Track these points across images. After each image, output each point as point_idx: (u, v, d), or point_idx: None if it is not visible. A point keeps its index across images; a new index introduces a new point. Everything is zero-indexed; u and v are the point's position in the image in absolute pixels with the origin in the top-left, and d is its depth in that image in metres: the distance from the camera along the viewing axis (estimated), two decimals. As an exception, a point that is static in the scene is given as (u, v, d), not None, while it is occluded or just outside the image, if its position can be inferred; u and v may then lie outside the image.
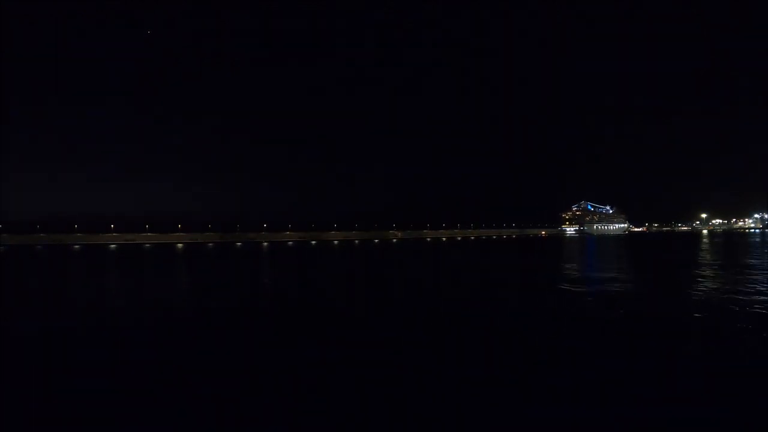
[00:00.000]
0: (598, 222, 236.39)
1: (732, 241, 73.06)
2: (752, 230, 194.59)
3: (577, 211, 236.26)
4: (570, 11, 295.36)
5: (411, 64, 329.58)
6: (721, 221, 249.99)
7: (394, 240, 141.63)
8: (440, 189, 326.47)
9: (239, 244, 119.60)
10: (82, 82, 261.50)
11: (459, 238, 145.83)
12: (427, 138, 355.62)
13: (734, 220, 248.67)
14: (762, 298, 16.18)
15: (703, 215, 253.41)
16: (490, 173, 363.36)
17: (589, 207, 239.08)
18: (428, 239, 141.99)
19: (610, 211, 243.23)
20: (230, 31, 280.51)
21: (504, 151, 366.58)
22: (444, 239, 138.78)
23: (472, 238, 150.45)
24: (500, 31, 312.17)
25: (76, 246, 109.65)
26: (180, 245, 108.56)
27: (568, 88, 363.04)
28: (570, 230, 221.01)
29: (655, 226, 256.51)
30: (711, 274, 25.13)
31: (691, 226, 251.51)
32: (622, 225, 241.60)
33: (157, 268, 39.70)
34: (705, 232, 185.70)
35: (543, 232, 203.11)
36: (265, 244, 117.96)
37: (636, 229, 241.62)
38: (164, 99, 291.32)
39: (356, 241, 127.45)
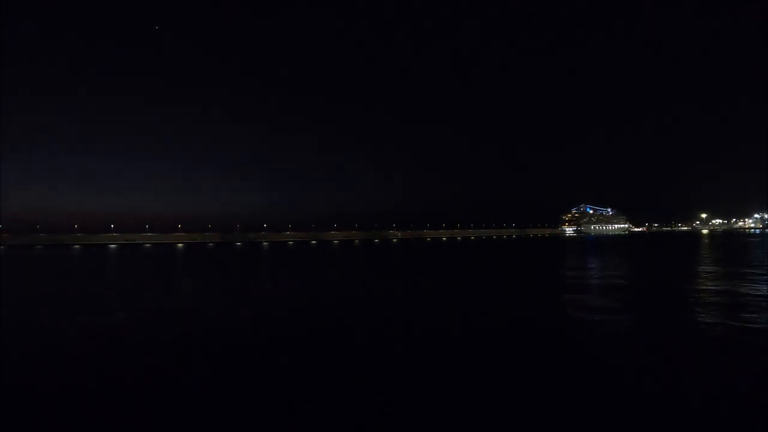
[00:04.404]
0: (597, 223, 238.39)
1: (732, 243, 72.83)
2: (752, 230, 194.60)
3: (576, 213, 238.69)
4: (567, 12, 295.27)
5: (411, 62, 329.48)
6: (721, 221, 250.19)
7: (394, 240, 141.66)
8: (440, 189, 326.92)
9: (239, 244, 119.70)
10: (80, 81, 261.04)
11: (459, 238, 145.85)
12: (427, 139, 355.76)
13: (734, 220, 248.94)
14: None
15: (703, 215, 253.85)
16: (492, 174, 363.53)
17: (589, 209, 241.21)
18: (428, 239, 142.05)
19: (611, 213, 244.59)
20: (228, 25, 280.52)
21: (505, 152, 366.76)
22: (444, 239, 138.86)
23: (472, 238, 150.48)
24: (502, 32, 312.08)
25: (76, 246, 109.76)
26: (180, 245, 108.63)
27: (569, 90, 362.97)
28: (569, 230, 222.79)
29: (655, 227, 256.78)
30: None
31: (691, 226, 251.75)
32: (623, 225, 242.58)
33: (158, 270, 39.71)
34: (705, 232, 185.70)
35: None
36: (265, 244, 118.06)
37: (636, 230, 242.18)
38: (164, 98, 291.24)
39: (356, 241, 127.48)
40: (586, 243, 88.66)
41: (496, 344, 10.94)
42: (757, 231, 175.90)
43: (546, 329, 12.46)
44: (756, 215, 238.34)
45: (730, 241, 75.81)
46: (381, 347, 10.88)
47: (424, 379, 8.41)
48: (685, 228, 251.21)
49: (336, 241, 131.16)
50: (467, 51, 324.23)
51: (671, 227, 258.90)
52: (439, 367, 9.17)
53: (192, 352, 10.70)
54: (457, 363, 9.41)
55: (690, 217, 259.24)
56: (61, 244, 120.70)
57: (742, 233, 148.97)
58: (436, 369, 9.02)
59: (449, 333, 12.29)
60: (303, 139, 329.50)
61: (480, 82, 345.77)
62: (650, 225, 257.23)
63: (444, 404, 7.25)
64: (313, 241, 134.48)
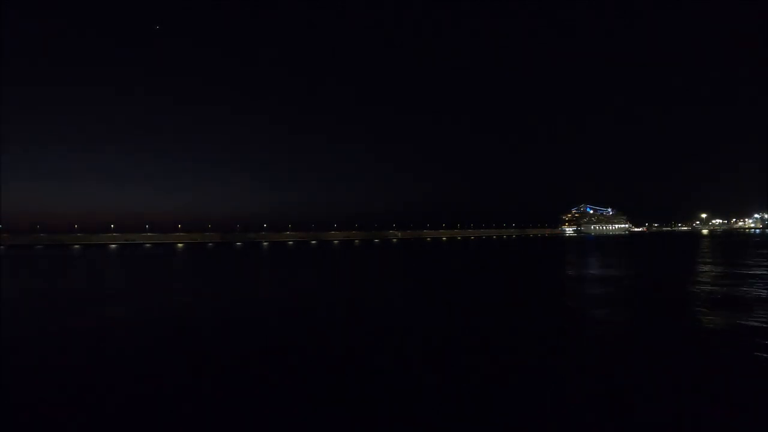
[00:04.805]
0: (597, 223, 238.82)
1: (732, 243, 72.78)
2: (752, 230, 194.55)
3: (576, 213, 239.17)
4: (566, 12, 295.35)
5: (411, 63, 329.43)
6: (721, 221, 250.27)
7: (394, 240, 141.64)
8: (440, 189, 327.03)
9: (239, 244, 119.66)
10: (78, 80, 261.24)
11: (459, 238, 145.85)
12: (427, 139, 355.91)
13: (734, 220, 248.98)
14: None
15: (703, 215, 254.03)
16: (492, 174, 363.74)
17: (589, 209, 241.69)
18: (428, 239, 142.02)
19: (611, 213, 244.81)
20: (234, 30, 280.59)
21: (505, 152, 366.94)
22: (444, 239, 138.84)
23: (472, 238, 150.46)
24: (502, 32, 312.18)
25: (76, 246, 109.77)
26: (180, 245, 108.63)
27: (569, 90, 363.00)
28: (569, 230, 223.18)
29: (655, 227, 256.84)
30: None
31: (692, 226, 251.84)
32: (623, 225, 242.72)
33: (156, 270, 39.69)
34: (705, 232, 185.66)
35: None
36: (265, 244, 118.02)
37: (636, 229, 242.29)
38: (164, 98, 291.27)
39: (356, 241, 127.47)
40: (586, 243, 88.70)
41: (496, 344, 10.96)
42: (757, 231, 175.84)
43: (545, 329, 12.47)
44: (756, 215, 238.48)
45: (730, 241, 75.82)
46: (380, 347, 10.88)
47: (424, 379, 8.42)
48: (685, 228, 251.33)
49: (336, 241, 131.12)
50: (467, 51, 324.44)
51: (671, 227, 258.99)
52: (439, 366, 9.18)
53: (188, 353, 10.70)
54: (456, 362, 9.43)
55: (690, 217, 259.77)
56: (61, 244, 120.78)
57: (742, 233, 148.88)
58: (435, 368, 9.03)
59: (448, 333, 12.29)
60: (303, 140, 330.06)
61: (480, 83, 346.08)
62: (650, 225, 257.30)
63: (444, 404, 7.27)
64: (313, 241, 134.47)
